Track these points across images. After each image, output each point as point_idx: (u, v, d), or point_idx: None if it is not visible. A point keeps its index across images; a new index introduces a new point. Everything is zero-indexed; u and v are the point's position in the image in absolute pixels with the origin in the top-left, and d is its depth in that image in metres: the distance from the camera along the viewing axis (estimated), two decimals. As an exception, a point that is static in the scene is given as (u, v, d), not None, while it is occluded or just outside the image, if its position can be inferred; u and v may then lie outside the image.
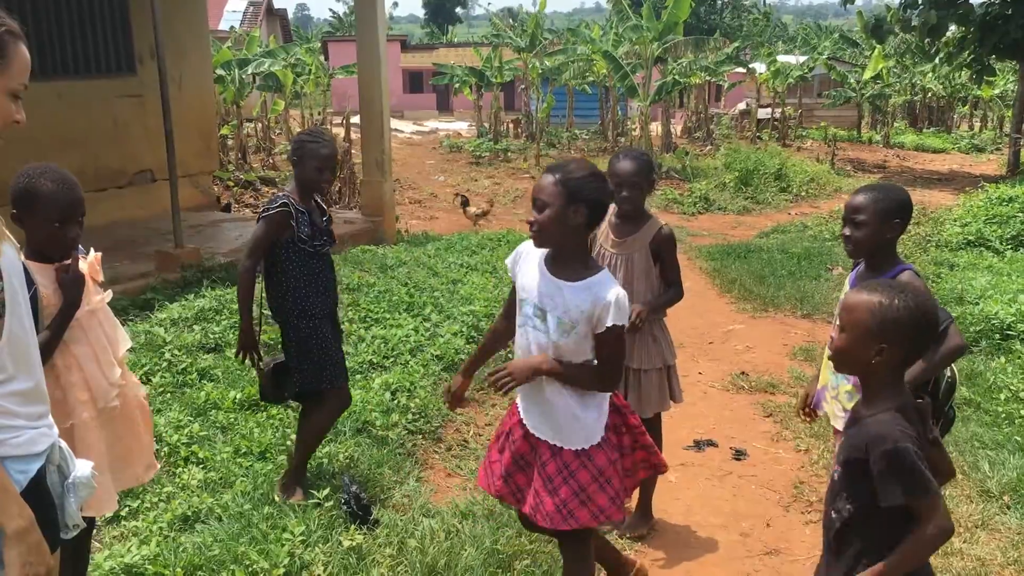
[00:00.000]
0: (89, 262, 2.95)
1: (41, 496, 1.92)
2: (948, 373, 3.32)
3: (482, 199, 15.23)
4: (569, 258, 2.92)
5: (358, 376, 5.77)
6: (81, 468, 2.08)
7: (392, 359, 6.18)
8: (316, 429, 4.31)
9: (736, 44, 28.25)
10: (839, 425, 3.33)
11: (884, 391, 2.31)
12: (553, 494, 2.94)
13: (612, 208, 4.08)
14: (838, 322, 2.43)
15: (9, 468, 1.81)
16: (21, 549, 1.79)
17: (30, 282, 2.37)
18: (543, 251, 2.99)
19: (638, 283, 4.08)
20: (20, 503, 1.81)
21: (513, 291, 3.20)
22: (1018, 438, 5.19)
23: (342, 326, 4.89)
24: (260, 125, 20.10)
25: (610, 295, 2.82)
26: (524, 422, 3.11)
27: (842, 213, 3.36)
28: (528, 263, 3.05)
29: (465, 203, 14.05)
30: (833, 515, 2.36)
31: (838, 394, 3.38)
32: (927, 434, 2.32)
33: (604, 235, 4.18)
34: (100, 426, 2.86)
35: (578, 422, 2.97)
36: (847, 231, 3.26)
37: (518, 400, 3.17)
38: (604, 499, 2.96)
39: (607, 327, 2.83)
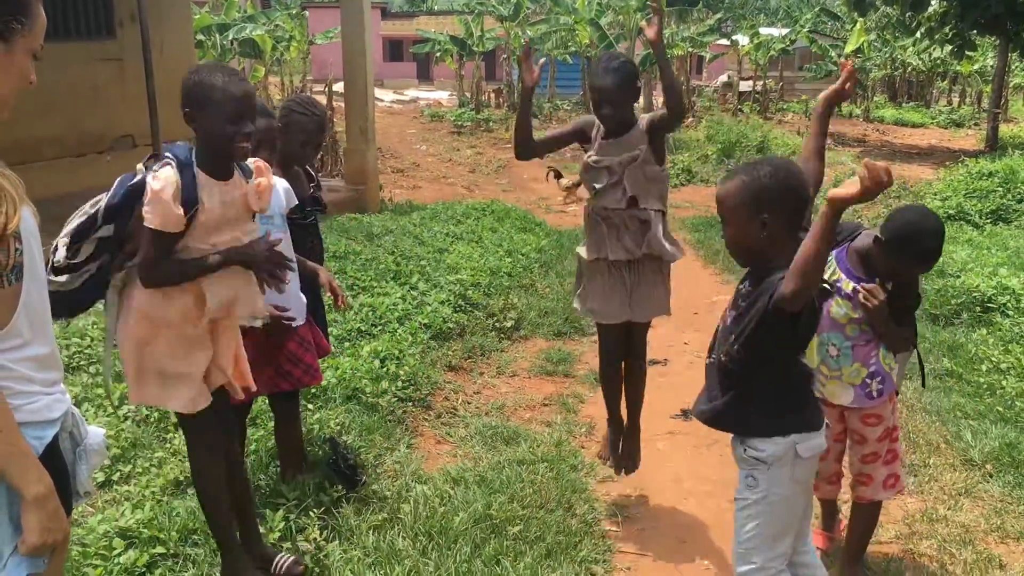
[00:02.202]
0: (260, 184, 3.03)
1: (55, 463, 1.91)
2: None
3: (569, 175, 14.17)
4: None
5: (346, 344, 5.77)
6: (93, 435, 2.07)
7: (380, 327, 6.18)
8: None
9: (719, 16, 28.21)
10: (846, 400, 3.40)
11: (783, 262, 2.31)
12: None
13: (596, 124, 3.98)
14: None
15: (26, 434, 1.80)
16: (41, 515, 1.78)
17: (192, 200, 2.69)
18: None
19: (649, 185, 3.94)
20: (40, 469, 1.80)
21: None
22: (999, 408, 5.28)
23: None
24: (239, 91, 19.87)
25: None
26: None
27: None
28: None
29: (558, 175, 13.46)
30: (723, 357, 2.55)
31: (842, 375, 3.42)
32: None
33: (595, 140, 4.00)
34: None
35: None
36: None
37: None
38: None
39: None
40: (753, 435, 2.58)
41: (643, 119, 3.95)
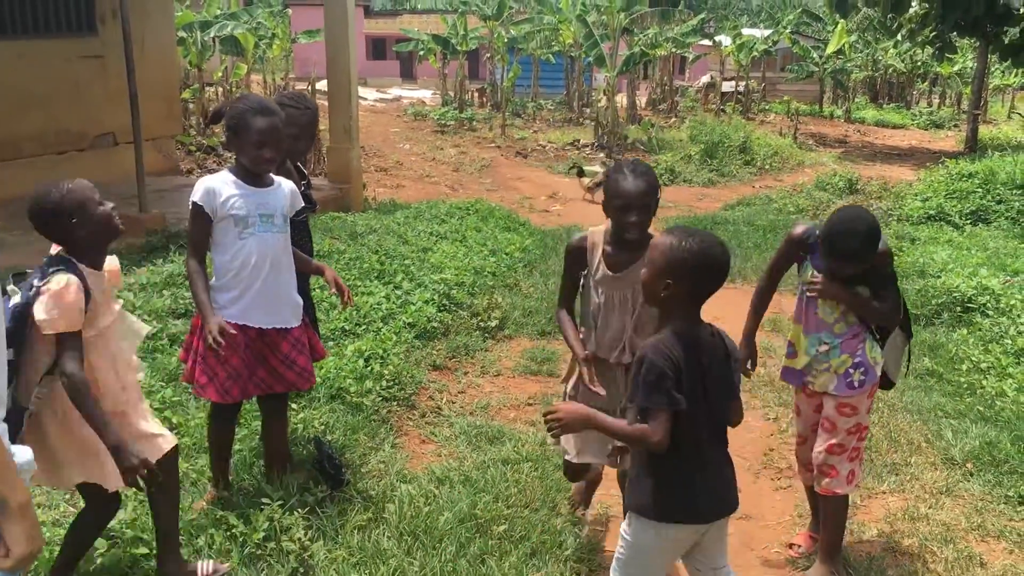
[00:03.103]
0: (111, 270, 3.09)
1: None
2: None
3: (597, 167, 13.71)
4: None
5: (330, 343, 5.75)
6: (21, 454, 1.96)
7: (364, 326, 6.16)
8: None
9: (701, 16, 28.30)
10: (830, 387, 3.53)
11: (672, 323, 2.63)
12: None
13: (602, 233, 3.45)
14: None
15: None
16: (25, 524, 1.76)
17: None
18: None
19: (651, 324, 3.17)
20: (18, 477, 1.78)
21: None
22: (980, 408, 5.33)
23: (311, 293, 4.83)
24: (222, 89, 19.77)
25: None
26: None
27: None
28: None
29: (581, 172, 13.03)
30: (619, 413, 2.76)
31: (831, 367, 3.50)
32: (703, 361, 2.60)
33: (597, 268, 3.43)
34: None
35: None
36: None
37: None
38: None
39: None
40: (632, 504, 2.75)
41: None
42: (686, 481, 2.62)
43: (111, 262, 3.12)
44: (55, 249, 2.97)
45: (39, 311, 2.79)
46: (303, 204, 3.92)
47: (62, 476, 3.03)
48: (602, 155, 17.87)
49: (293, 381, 3.78)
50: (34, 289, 2.83)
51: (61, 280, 2.81)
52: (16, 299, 2.85)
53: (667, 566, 2.89)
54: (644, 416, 2.53)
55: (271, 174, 3.70)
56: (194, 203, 3.54)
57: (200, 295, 3.57)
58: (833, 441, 3.53)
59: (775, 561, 3.89)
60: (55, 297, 2.79)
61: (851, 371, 3.48)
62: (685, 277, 2.57)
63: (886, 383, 3.75)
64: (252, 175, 3.63)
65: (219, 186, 3.56)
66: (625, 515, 2.79)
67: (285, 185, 3.75)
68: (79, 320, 2.85)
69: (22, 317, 2.83)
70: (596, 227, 3.50)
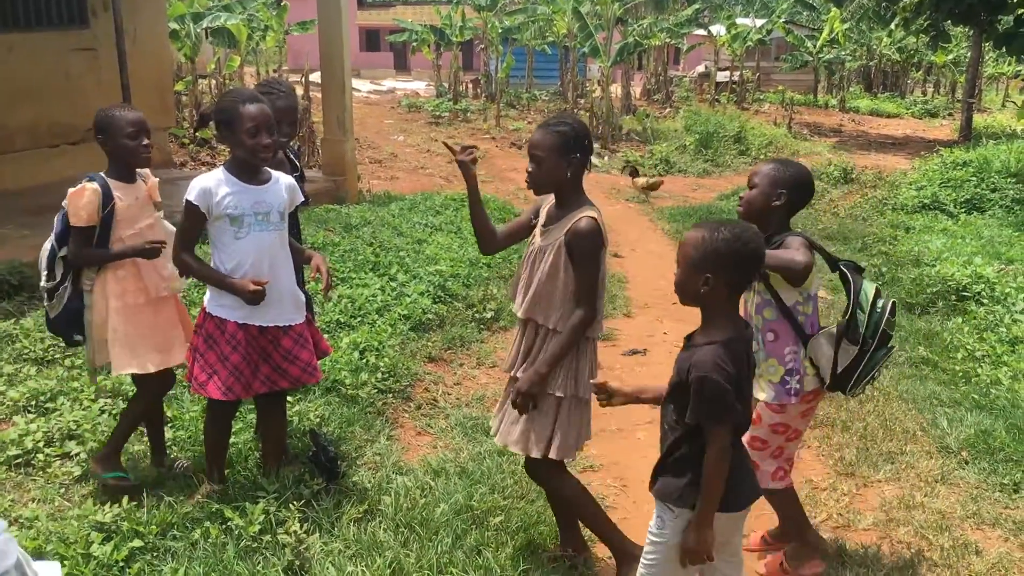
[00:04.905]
0: (149, 185, 3.95)
1: None
2: (878, 311, 3.33)
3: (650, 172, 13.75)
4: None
5: (326, 335, 5.72)
6: (47, 573, 1.90)
7: (359, 318, 6.16)
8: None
9: (696, 6, 28.19)
10: (768, 397, 3.39)
11: (716, 321, 2.60)
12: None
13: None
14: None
15: None
16: None
17: None
18: None
19: (540, 286, 3.25)
20: None
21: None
22: (975, 396, 5.33)
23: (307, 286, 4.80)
24: (215, 82, 19.69)
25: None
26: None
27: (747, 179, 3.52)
28: None
29: (634, 173, 13.06)
30: (665, 426, 2.71)
31: (762, 372, 3.39)
32: (749, 365, 2.63)
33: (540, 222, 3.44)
34: (151, 309, 3.91)
35: None
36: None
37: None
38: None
39: None
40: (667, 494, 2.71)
41: (570, 226, 3.21)
42: (734, 467, 2.62)
43: (150, 178, 3.97)
44: None
45: (67, 207, 3.73)
46: (303, 199, 3.90)
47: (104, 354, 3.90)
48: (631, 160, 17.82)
49: (297, 376, 3.75)
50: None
51: (79, 184, 3.72)
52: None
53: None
54: (708, 434, 2.54)
55: (268, 169, 3.67)
56: (189, 201, 3.52)
57: (209, 273, 3.59)
58: (755, 434, 3.40)
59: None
60: (72, 196, 3.71)
61: (787, 379, 3.35)
62: (724, 268, 2.54)
63: (837, 383, 3.41)
64: (248, 171, 3.58)
65: (214, 185, 3.52)
66: (658, 517, 2.73)
67: (283, 180, 3.71)
68: (93, 216, 3.70)
69: (64, 218, 3.76)
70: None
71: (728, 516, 2.67)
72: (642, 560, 2.78)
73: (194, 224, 3.58)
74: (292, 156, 4.27)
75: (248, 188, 3.57)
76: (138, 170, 3.89)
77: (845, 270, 3.43)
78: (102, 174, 3.77)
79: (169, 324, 3.99)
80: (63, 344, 5.34)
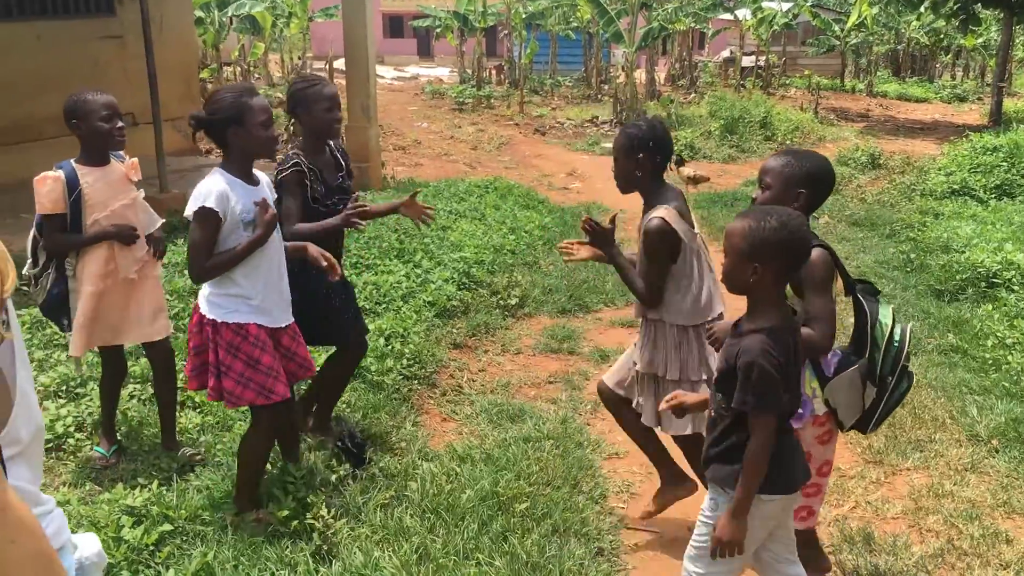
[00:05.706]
0: (128, 164, 3.96)
1: None
2: (895, 345, 3.03)
3: (697, 165, 13.35)
4: None
5: (351, 322, 5.75)
6: (88, 546, 1.80)
7: (384, 305, 6.17)
8: (337, 378, 4.31)
9: (721, -10, 27.95)
10: None
11: (764, 309, 2.58)
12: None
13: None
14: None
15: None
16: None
17: None
18: None
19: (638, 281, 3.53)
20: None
21: None
22: (1005, 384, 5.27)
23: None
24: (239, 69, 19.78)
25: None
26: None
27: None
28: None
29: (680, 163, 12.89)
30: (713, 413, 2.71)
31: None
32: (797, 353, 2.60)
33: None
34: (121, 290, 3.94)
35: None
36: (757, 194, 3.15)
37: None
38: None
39: None
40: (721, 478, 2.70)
41: (643, 225, 3.45)
42: (786, 450, 2.63)
43: (127, 158, 4.00)
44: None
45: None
46: (275, 195, 3.69)
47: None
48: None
49: (294, 372, 3.66)
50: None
51: (42, 174, 3.76)
52: None
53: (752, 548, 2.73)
54: (752, 422, 2.54)
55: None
56: (208, 208, 3.27)
57: (247, 249, 3.34)
58: None
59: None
60: (35, 185, 3.76)
61: None
62: (773, 257, 2.52)
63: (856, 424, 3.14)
64: (244, 173, 3.43)
65: (227, 190, 3.33)
66: (711, 499, 2.72)
67: (263, 178, 3.57)
68: (59, 204, 3.75)
69: None
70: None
71: (783, 499, 2.66)
72: (692, 540, 2.78)
73: (211, 234, 3.31)
74: (340, 155, 4.19)
75: (250, 189, 3.42)
76: (115, 152, 3.94)
77: (860, 298, 3.08)
78: (71, 161, 3.84)
79: (136, 305, 4.02)
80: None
